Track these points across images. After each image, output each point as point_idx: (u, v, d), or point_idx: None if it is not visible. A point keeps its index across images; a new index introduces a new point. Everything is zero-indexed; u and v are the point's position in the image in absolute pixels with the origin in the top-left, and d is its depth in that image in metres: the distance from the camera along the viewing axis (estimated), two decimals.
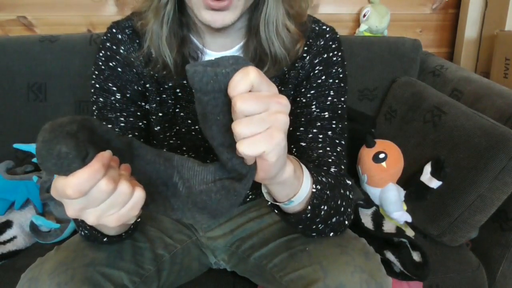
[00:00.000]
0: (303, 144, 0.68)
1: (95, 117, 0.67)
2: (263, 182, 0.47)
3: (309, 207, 0.56)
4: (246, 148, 0.37)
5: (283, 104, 0.39)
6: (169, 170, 0.44)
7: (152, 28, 0.63)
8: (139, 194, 0.38)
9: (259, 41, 0.65)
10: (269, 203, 0.58)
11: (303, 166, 0.54)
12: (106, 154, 0.36)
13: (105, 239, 0.62)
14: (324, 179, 0.58)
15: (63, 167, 0.34)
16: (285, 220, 0.61)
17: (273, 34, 0.63)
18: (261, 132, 0.37)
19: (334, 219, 0.61)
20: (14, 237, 0.96)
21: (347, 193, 0.63)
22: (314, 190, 0.55)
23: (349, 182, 0.66)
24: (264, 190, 0.56)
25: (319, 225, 0.61)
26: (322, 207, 0.57)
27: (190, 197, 0.43)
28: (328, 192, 0.58)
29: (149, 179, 0.43)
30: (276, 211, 0.60)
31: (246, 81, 0.36)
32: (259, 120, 0.37)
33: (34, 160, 1.14)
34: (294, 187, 0.53)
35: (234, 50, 0.68)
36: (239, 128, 0.37)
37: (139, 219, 0.66)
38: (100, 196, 0.36)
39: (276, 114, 0.38)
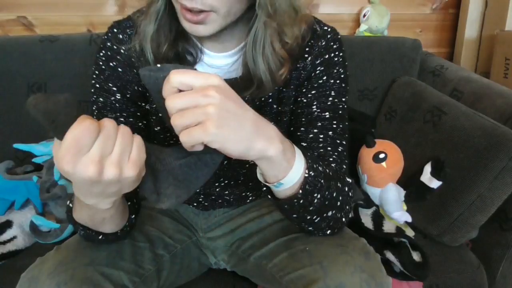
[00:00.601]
0: (304, 144, 0.68)
1: (94, 117, 0.67)
2: (238, 158, 0.48)
3: (300, 191, 0.55)
4: (183, 138, 0.43)
5: (211, 95, 0.43)
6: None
7: (141, 24, 0.63)
8: (138, 137, 0.44)
9: (245, 58, 0.64)
10: (264, 188, 0.59)
11: (297, 151, 0.55)
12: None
13: (100, 237, 0.61)
14: (320, 168, 0.58)
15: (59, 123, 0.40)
16: (279, 207, 0.61)
17: (259, 54, 0.62)
18: (196, 125, 0.43)
19: (330, 213, 0.61)
20: (14, 237, 0.96)
21: (346, 189, 0.63)
22: (306, 175, 0.55)
23: (349, 180, 0.66)
24: (258, 171, 0.57)
25: (314, 217, 0.60)
26: (315, 195, 0.57)
27: (170, 172, 0.48)
28: (322, 181, 0.57)
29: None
30: (270, 196, 0.60)
31: (168, 84, 0.43)
32: (189, 114, 0.43)
33: (34, 160, 1.13)
34: (283, 168, 0.53)
35: (233, 52, 0.68)
36: (172, 121, 0.43)
37: (134, 217, 0.67)
38: (110, 132, 0.41)
39: (206, 107, 0.43)
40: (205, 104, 0.43)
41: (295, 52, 0.65)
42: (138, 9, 0.68)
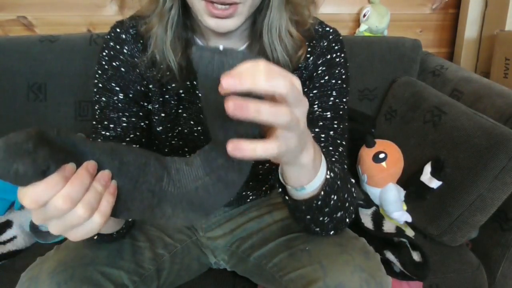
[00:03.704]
0: None
1: (97, 116, 0.67)
2: (279, 162, 0.45)
3: (322, 193, 0.54)
4: (258, 151, 0.35)
5: (303, 112, 0.37)
6: (159, 171, 0.42)
7: (157, 32, 0.63)
8: (97, 221, 0.38)
9: (262, 45, 0.64)
10: (279, 190, 0.57)
11: (322, 155, 0.53)
12: (69, 167, 0.36)
13: (95, 237, 0.61)
14: (336, 169, 0.57)
15: (23, 183, 0.34)
16: (294, 208, 0.60)
17: (276, 39, 0.63)
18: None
19: (339, 214, 0.60)
20: (14, 237, 0.96)
21: (352, 189, 0.63)
22: (328, 177, 0.54)
23: (353, 180, 0.66)
24: (279, 172, 0.55)
25: (325, 218, 0.60)
26: (332, 196, 0.56)
27: (185, 197, 0.43)
28: (338, 182, 0.57)
29: (134, 184, 0.41)
30: (286, 197, 0.58)
31: (243, 80, 0.32)
32: (289, 134, 0.37)
33: None
34: (310, 174, 0.51)
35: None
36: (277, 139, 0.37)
37: (131, 222, 0.67)
38: (55, 212, 0.35)
39: (299, 123, 0.37)
40: (297, 122, 0.36)
41: (309, 33, 0.67)
42: (138, 9, 0.67)
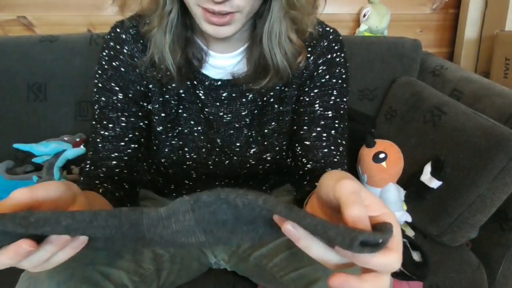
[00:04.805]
0: (307, 143, 0.68)
1: (96, 116, 0.67)
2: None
3: None
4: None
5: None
6: (138, 234, 0.39)
7: (156, 35, 0.63)
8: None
9: (262, 50, 0.64)
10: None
11: None
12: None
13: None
14: None
15: None
16: None
17: (276, 46, 0.63)
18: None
19: None
20: None
21: None
22: None
23: None
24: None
25: None
26: None
27: (175, 243, 0.41)
28: None
29: (111, 240, 0.41)
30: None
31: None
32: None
33: (34, 160, 1.14)
34: None
35: (238, 52, 0.68)
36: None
37: None
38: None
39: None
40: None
41: (309, 39, 0.67)
42: (140, 13, 0.67)
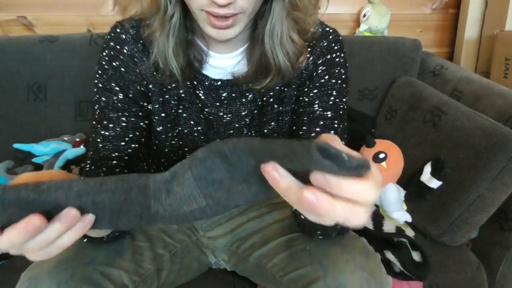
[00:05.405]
0: None
1: (96, 116, 0.67)
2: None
3: None
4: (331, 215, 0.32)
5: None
6: (144, 201, 0.40)
7: (159, 40, 0.63)
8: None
9: (264, 50, 0.64)
10: (293, 209, 0.58)
11: None
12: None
13: (85, 240, 0.61)
14: None
15: None
16: (308, 227, 0.60)
17: (278, 46, 0.63)
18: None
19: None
20: None
21: None
22: None
23: None
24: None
25: (335, 232, 0.61)
26: None
27: (178, 217, 0.41)
28: None
29: (117, 215, 0.40)
30: (302, 217, 0.58)
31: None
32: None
33: (34, 160, 1.14)
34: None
35: (238, 52, 0.68)
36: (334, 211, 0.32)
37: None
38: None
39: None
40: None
41: (311, 38, 0.67)
42: (140, 16, 0.67)
